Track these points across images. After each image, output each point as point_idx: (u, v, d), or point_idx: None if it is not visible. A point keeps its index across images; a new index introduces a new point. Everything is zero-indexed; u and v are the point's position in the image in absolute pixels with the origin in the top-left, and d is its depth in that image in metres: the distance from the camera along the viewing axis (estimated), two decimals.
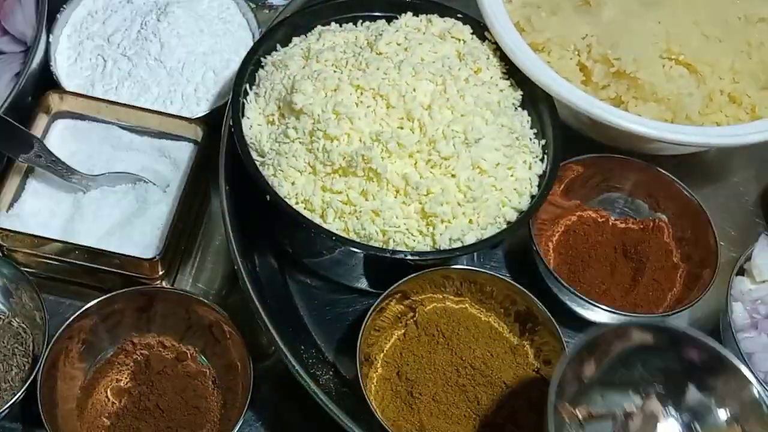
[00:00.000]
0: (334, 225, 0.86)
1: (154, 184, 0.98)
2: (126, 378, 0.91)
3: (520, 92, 0.97)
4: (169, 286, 0.96)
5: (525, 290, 0.89)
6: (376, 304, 0.86)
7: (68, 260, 0.93)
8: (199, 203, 1.02)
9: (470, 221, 0.88)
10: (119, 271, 0.93)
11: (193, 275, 1.01)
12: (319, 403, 0.83)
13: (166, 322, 0.93)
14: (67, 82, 1.03)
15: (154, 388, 0.90)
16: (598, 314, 0.93)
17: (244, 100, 0.92)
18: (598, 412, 0.75)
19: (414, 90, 0.90)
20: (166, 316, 0.92)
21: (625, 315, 0.91)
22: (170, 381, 0.90)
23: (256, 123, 0.92)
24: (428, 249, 0.87)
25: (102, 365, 0.91)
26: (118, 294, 0.89)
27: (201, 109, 1.03)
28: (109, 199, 0.96)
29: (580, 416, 0.73)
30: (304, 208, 0.87)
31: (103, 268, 0.93)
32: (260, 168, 0.88)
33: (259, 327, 0.91)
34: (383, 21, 1.00)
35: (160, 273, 0.93)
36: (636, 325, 0.84)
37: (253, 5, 1.13)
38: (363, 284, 0.95)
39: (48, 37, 1.03)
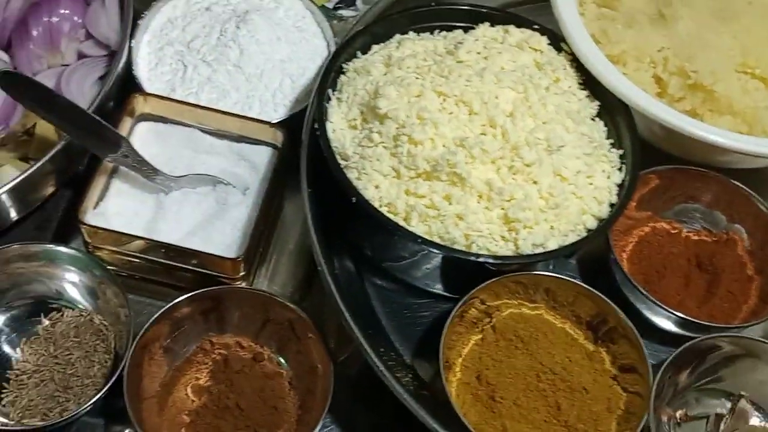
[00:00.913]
0: (418, 228, 0.87)
1: (234, 186, 0.99)
2: (205, 376, 0.92)
3: (597, 102, 0.98)
4: (249, 287, 0.97)
5: (605, 297, 0.90)
6: (456, 308, 0.87)
7: (151, 258, 0.95)
8: (276, 206, 1.03)
9: (552, 227, 0.89)
10: (201, 269, 0.94)
11: (268, 277, 1.02)
12: (403, 406, 0.84)
13: (243, 322, 0.94)
14: (149, 86, 1.05)
15: (233, 386, 0.91)
16: (675, 324, 0.93)
17: (327, 105, 0.94)
18: (694, 413, 0.76)
19: (496, 97, 0.91)
20: (244, 316, 0.93)
21: (701, 324, 0.92)
22: (248, 380, 0.91)
23: (339, 127, 0.93)
24: (510, 254, 0.88)
25: (181, 363, 0.93)
26: (200, 293, 0.90)
27: (278, 115, 1.05)
28: (191, 200, 0.98)
29: (677, 416, 0.74)
30: (388, 211, 0.88)
31: (185, 266, 0.94)
32: (345, 171, 0.89)
33: (331, 331, 0.93)
34: (460, 31, 1.02)
35: (242, 273, 0.94)
36: (722, 337, 0.85)
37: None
38: (439, 288, 0.96)
39: (130, 42, 1.05)
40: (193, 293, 0.90)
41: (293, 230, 1.06)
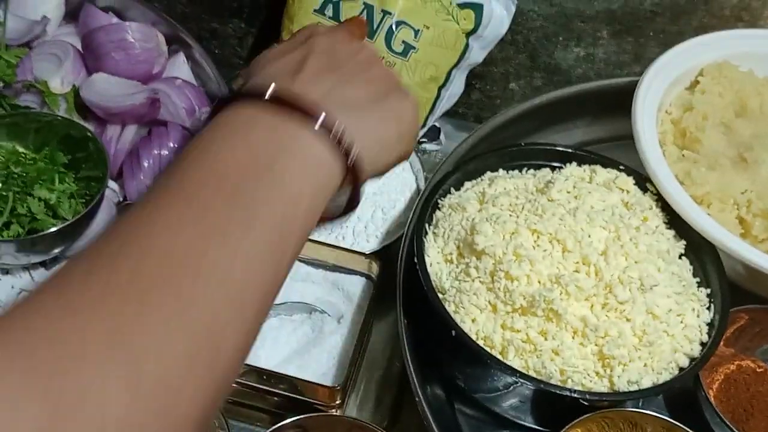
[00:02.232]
0: (514, 362, 0.90)
1: (329, 314, 1.03)
2: None
3: (683, 241, 1.01)
4: (344, 415, 0.99)
5: None
6: None
7: (249, 383, 0.97)
8: (368, 335, 1.06)
9: (645, 365, 0.90)
10: (297, 396, 0.97)
11: (357, 404, 1.04)
12: None
13: None
14: None
15: None
16: None
17: (424, 239, 0.98)
18: None
19: (589, 236, 0.95)
20: None
21: None
22: None
23: (436, 261, 0.97)
24: (605, 390, 0.89)
25: None
26: (299, 419, 0.92)
27: (371, 246, 1.09)
28: (287, 328, 1.02)
29: None
30: (485, 344, 0.91)
31: (282, 392, 0.97)
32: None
33: None
34: (548, 169, 1.06)
35: (338, 401, 0.97)
36: None
37: None
38: (530, 422, 0.97)
39: None
40: (292, 419, 0.92)
41: (380, 357, 1.09)
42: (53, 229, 1.01)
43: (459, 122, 1.37)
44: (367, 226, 1.11)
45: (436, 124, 1.32)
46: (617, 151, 1.12)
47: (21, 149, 1.09)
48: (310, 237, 1.07)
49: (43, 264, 1.07)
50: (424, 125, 1.29)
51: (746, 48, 1.18)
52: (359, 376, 1.06)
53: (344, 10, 1.25)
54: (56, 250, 1.04)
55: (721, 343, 1.01)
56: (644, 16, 1.25)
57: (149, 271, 0.55)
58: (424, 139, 1.31)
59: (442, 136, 1.32)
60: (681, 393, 1.00)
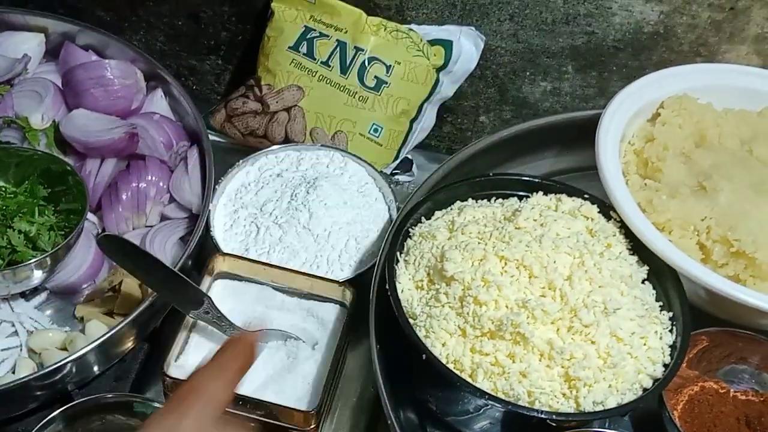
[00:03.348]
0: (483, 384, 0.92)
1: (303, 341, 1.05)
2: None
3: (646, 267, 1.04)
4: None
5: None
6: None
7: (227, 409, 0.99)
8: (342, 360, 1.09)
9: (610, 386, 0.93)
10: (274, 421, 0.99)
11: (332, 429, 1.07)
12: None
13: None
14: (224, 245, 1.13)
15: None
16: None
17: (396, 267, 1.01)
18: None
19: (555, 262, 0.98)
20: None
21: None
22: None
23: (407, 287, 1.00)
24: (572, 411, 0.92)
25: None
26: None
27: (345, 274, 1.12)
28: (263, 355, 1.04)
29: None
30: (455, 368, 0.94)
31: (259, 418, 0.99)
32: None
33: None
34: (515, 198, 1.10)
35: (312, 426, 0.99)
36: None
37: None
38: None
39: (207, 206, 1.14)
40: None
41: (355, 383, 1.11)
42: (33, 261, 1.03)
43: (431, 154, 1.40)
44: (341, 255, 1.14)
45: (409, 156, 1.36)
46: (583, 181, 1.16)
47: (1, 183, 1.11)
48: (286, 266, 1.11)
49: (23, 295, 1.09)
50: (396, 158, 1.33)
51: (705, 81, 1.23)
52: (334, 401, 1.09)
53: (318, 47, 1.29)
54: (36, 281, 1.06)
55: (684, 365, 1.04)
56: (607, 51, 1.29)
57: None
58: (397, 171, 1.35)
59: (414, 168, 1.36)
60: (646, 414, 1.03)
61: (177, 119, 1.24)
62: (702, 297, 1.06)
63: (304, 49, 1.29)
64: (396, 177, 1.34)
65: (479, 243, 1.01)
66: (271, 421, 0.99)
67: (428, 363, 0.92)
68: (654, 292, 1.04)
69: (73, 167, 1.12)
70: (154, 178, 1.14)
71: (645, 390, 0.95)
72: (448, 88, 1.34)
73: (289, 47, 1.30)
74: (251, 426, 0.97)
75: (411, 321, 0.97)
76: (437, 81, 1.32)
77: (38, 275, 1.05)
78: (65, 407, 0.96)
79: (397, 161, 1.34)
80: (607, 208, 1.08)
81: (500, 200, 1.10)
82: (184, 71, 1.46)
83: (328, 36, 1.29)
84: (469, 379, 0.93)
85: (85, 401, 0.98)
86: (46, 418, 0.95)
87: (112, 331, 0.99)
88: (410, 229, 1.05)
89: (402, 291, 0.99)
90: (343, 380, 1.11)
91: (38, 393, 0.99)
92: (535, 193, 1.09)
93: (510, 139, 1.26)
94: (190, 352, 1.03)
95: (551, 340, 0.94)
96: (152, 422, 0.74)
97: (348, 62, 1.28)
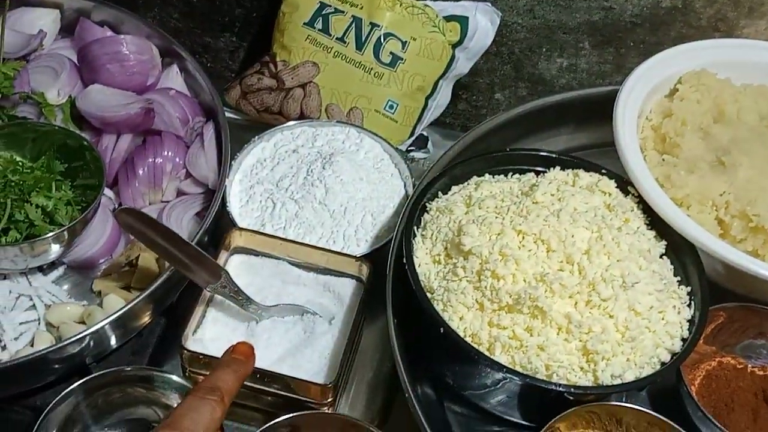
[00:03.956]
0: (501, 358, 0.92)
1: (320, 316, 1.05)
2: None
3: (664, 242, 1.04)
4: (336, 413, 1.01)
5: (679, 428, 0.93)
6: None
7: (244, 383, 0.99)
8: (358, 335, 1.09)
9: (628, 360, 0.93)
10: (290, 394, 0.99)
11: (349, 404, 1.07)
12: None
13: None
14: (240, 221, 1.13)
15: None
16: None
17: (413, 241, 1.01)
18: None
19: (573, 236, 0.98)
20: None
21: None
22: None
23: (424, 262, 1.00)
24: (589, 384, 0.92)
25: None
26: (294, 416, 0.95)
27: (361, 249, 1.12)
28: (279, 329, 1.04)
29: None
30: (472, 341, 0.94)
31: (276, 391, 0.99)
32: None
33: None
34: (532, 174, 1.10)
35: (329, 399, 0.99)
36: None
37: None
38: (516, 417, 1.00)
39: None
40: (285, 417, 0.94)
41: (371, 358, 1.11)
42: (50, 235, 1.03)
43: (446, 131, 1.40)
44: (357, 231, 1.13)
45: (424, 133, 1.35)
46: (599, 158, 1.15)
47: (18, 158, 1.11)
48: (302, 241, 1.10)
49: (40, 269, 1.09)
50: (412, 134, 1.33)
51: (724, 57, 1.22)
52: (350, 377, 1.09)
53: (333, 23, 1.29)
54: (53, 255, 1.07)
55: (701, 340, 1.04)
56: (624, 27, 1.29)
57: None
58: (412, 147, 1.34)
59: (429, 145, 1.35)
60: (664, 389, 1.03)
61: (192, 95, 1.23)
62: (720, 272, 1.05)
63: (319, 25, 1.29)
64: (411, 154, 1.34)
65: (497, 217, 1.00)
66: (288, 395, 1.00)
67: (446, 337, 0.92)
68: (672, 266, 1.03)
69: (90, 142, 1.12)
70: (170, 154, 1.14)
71: (663, 364, 0.95)
72: (463, 65, 1.33)
73: (304, 23, 1.29)
74: None
75: (428, 295, 0.97)
76: (453, 57, 1.31)
77: (56, 249, 1.05)
78: (85, 379, 0.97)
79: (413, 138, 1.33)
80: (624, 183, 1.08)
81: (517, 175, 1.10)
82: (199, 48, 1.45)
83: (343, 12, 1.28)
84: (486, 353, 0.93)
85: (104, 374, 0.98)
86: (65, 390, 0.96)
87: (130, 305, 0.99)
88: (427, 204, 1.05)
89: (419, 265, 0.99)
90: (359, 356, 1.11)
91: (56, 366, 0.99)
92: (552, 168, 1.09)
93: (525, 115, 1.25)
94: (207, 326, 1.04)
95: (569, 313, 0.93)
96: None
97: (363, 38, 1.28)
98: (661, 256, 1.03)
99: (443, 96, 1.35)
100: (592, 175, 1.08)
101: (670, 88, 1.20)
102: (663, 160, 1.12)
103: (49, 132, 1.12)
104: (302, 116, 1.28)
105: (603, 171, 1.09)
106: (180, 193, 1.16)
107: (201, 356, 0.98)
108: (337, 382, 0.98)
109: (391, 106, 1.29)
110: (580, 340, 0.93)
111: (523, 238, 0.98)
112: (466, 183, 1.08)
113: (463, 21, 1.29)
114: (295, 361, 1.02)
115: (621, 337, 0.94)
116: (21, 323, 1.05)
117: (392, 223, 1.15)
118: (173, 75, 1.24)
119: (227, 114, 1.21)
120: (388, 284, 1.01)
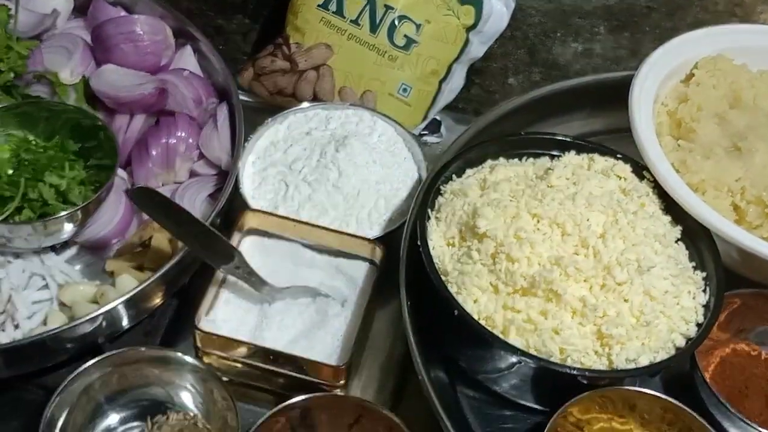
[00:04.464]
0: (515, 341, 0.92)
1: (333, 298, 1.05)
2: None
3: (679, 227, 1.03)
4: (349, 395, 1.01)
5: (694, 413, 0.93)
6: (551, 422, 0.91)
7: (257, 364, 1.00)
8: (371, 318, 1.09)
9: (643, 344, 0.93)
10: (303, 376, 0.99)
11: (361, 386, 1.06)
12: None
13: (335, 428, 0.98)
14: (253, 203, 1.13)
15: None
16: None
17: (427, 224, 1.01)
18: None
19: (588, 220, 0.97)
20: (335, 422, 0.97)
21: None
22: None
23: (438, 245, 1.00)
24: (604, 368, 0.92)
25: None
26: (309, 398, 0.95)
27: (374, 232, 1.11)
28: (292, 311, 1.04)
29: None
30: (486, 324, 0.93)
31: (288, 372, 0.99)
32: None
33: None
34: (547, 158, 1.09)
35: (342, 381, 0.99)
36: None
37: None
38: (530, 401, 1.00)
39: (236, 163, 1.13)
40: (298, 399, 0.94)
41: (384, 341, 1.11)
42: (64, 214, 1.03)
43: (459, 116, 1.39)
44: (370, 214, 1.13)
45: (437, 117, 1.35)
46: (613, 143, 1.15)
47: (31, 137, 1.11)
48: (315, 223, 1.10)
49: (53, 248, 1.09)
50: (425, 118, 1.32)
51: (740, 42, 1.21)
52: (363, 360, 1.09)
53: (347, 5, 1.28)
54: (66, 235, 1.06)
55: (716, 327, 1.03)
56: (640, 12, 1.28)
57: None
58: (425, 132, 1.34)
59: (443, 129, 1.35)
60: (677, 376, 1.03)
61: (206, 76, 1.23)
62: (735, 258, 1.04)
63: (333, 7, 1.28)
64: (424, 138, 1.33)
65: (511, 200, 1.00)
66: (301, 376, 0.99)
67: (460, 320, 0.92)
68: (687, 252, 1.03)
69: (104, 122, 1.11)
70: (183, 134, 1.14)
71: (678, 349, 0.94)
72: (477, 49, 1.33)
73: (318, 5, 1.28)
74: None
75: (442, 277, 0.96)
76: (467, 41, 1.30)
77: (69, 228, 1.05)
78: (98, 359, 0.96)
79: (426, 122, 1.33)
80: (640, 168, 1.07)
81: (532, 159, 1.09)
82: (211, 31, 1.45)
83: None
84: (501, 336, 0.92)
85: (117, 353, 0.98)
86: (78, 370, 0.96)
87: (143, 285, 0.99)
88: (441, 187, 1.05)
89: (433, 248, 0.99)
90: (371, 338, 1.10)
91: (69, 345, 0.99)
92: (567, 152, 1.08)
93: (539, 100, 1.24)
94: (220, 307, 1.03)
95: (584, 297, 0.93)
96: None
97: (378, 21, 1.27)
98: (676, 241, 1.03)
99: (457, 80, 1.34)
100: (607, 160, 1.08)
101: (686, 74, 1.19)
102: (678, 145, 1.12)
103: (62, 111, 1.11)
104: (315, 99, 1.28)
105: (618, 155, 1.08)
106: (193, 174, 1.16)
107: (214, 336, 0.98)
108: (349, 364, 0.98)
109: (405, 90, 1.29)
110: (595, 324, 0.93)
111: (538, 221, 0.98)
112: (480, 166, 1.08)
113: (477, 4, 1.28)
114: (307, 343, 1.01)
115: (636, 322, 0.93)
116: (34, 302, 1.05)
117: (405, 206, 1.14)
118: (187, 56, 1.23)
119: (240, 96, 1.21)
120: (402, 267, 1.01)
